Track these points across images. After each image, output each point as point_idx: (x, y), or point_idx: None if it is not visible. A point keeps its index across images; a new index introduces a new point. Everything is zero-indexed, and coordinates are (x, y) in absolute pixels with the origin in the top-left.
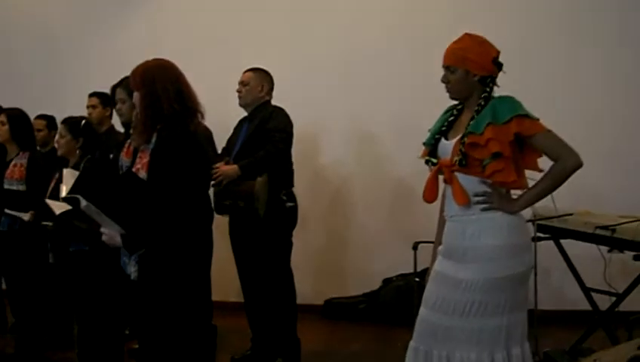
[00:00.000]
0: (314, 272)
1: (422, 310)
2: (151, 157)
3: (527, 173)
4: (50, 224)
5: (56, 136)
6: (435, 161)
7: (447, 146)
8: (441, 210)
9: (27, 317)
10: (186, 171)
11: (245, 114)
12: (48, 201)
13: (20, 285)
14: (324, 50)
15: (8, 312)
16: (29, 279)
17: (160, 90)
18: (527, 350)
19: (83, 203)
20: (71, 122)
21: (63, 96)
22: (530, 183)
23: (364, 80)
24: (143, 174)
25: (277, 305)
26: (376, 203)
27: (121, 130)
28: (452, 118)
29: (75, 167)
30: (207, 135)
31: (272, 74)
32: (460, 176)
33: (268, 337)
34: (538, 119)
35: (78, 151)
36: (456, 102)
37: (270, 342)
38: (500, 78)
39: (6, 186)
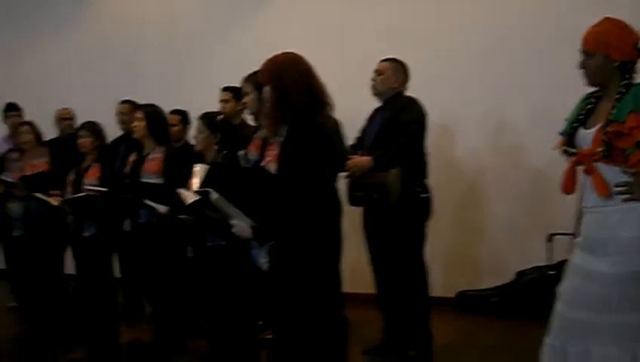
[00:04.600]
0: (446, 264)
1: (558, 305)
2: (281, 150)
3: None
4: (186, 217)
5: (194, 132)
6: (573, 151)
7: (587, 136)
8: (580, 201)
9: (164, 307)
10: (315, 163)
11: (377, 103)
12: (180, 191)
13: (157, 276)
14: (458, 39)
15: (145, 301)
16: (167, 271)
17: (288, 83)
18: None
19: (214, 195)
20: (209, 118)
21: (190, 91)
22: None
23: (499, 69)
24: (272, 166)
25: (410, 297)
26: (510, 194)
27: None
28: (590, 105)
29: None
30: (336, 127)
31: (406, 64)
32: (601, 167)
33: (400, 329)
34: None
35: (215, 147)
36: (593, 89)
37: (402, 334)
38: None
39: (144, 179)
